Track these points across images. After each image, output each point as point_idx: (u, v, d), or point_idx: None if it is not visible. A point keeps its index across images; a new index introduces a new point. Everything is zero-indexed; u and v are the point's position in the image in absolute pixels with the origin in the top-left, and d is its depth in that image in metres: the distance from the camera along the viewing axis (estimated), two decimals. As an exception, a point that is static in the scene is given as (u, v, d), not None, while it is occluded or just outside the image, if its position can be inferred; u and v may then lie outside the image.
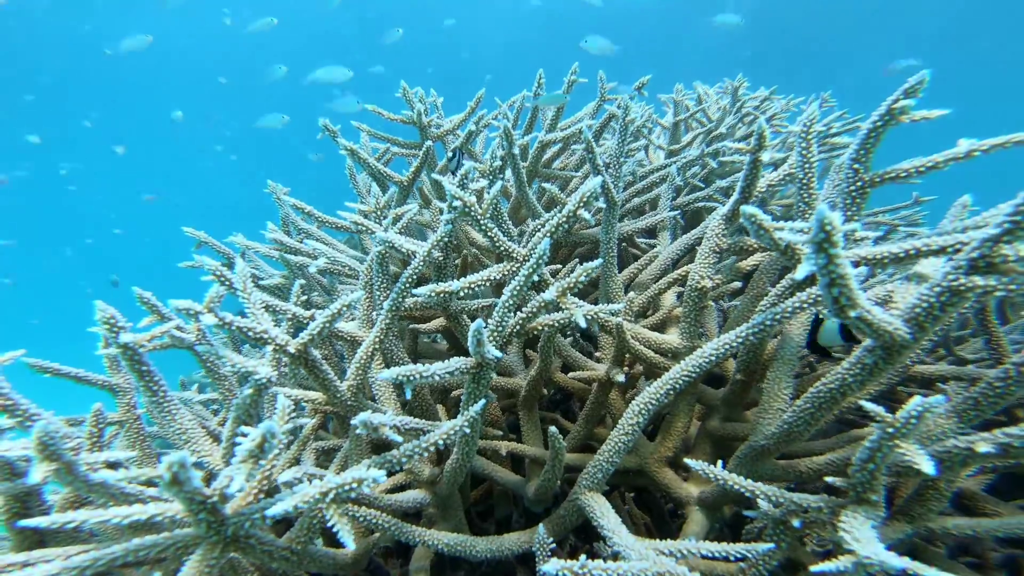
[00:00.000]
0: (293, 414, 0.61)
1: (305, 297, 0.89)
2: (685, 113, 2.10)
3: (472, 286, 0.68)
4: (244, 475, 0.43)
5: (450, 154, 1.16)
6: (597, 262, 0.62)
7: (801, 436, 0.74)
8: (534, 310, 0.63)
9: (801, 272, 0.45)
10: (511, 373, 1.15)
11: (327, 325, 0.61)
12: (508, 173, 1.22)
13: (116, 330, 0.63)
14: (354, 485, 0.44)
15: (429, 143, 1.02)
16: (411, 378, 0.54)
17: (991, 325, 0.74)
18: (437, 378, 0.57)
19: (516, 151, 0.94)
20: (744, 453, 0.85)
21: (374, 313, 0.88)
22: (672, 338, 0.95)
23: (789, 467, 0.80)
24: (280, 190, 1.20)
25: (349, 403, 0.78)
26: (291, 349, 0.62)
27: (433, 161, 1.22)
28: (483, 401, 0.60)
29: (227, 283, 0.68)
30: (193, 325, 0.83)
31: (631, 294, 0.97)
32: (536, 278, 0.64)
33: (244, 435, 0.67)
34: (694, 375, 0.74)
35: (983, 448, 0.50)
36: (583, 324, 0.62)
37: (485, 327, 0.57)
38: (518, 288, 0.61)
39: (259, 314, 0.60)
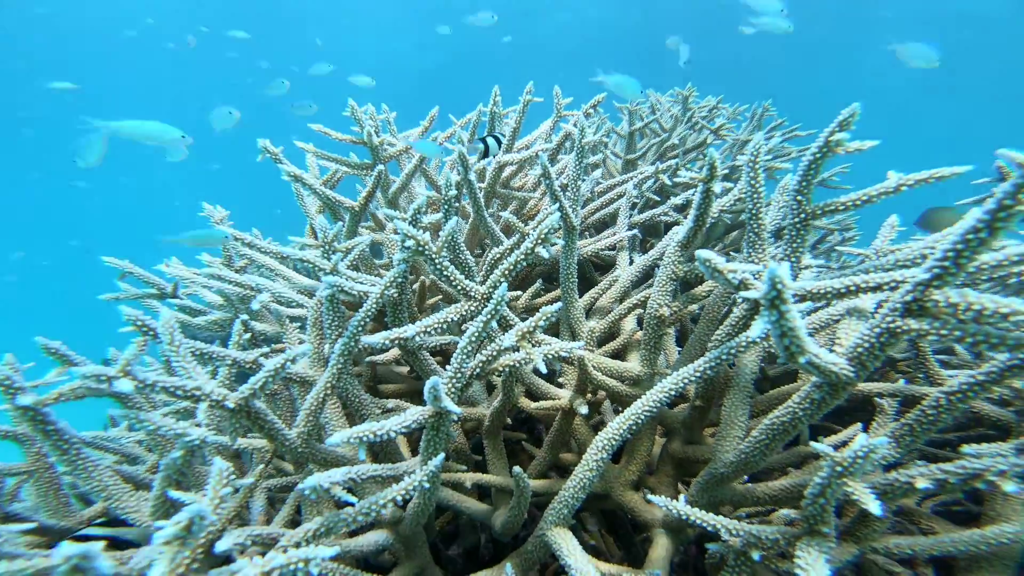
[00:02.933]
0: (232, 476, 0.58)
1: (249, 334, 0.85)
2: (640, 123, 2.18)
3: (427, 328, 0.68)
4: (166, 562, 0.41)
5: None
6: (557, 306, 0.62)
7: (757, 465, 0.79)
8: (492, 355, 0.64)
9: (755, 331, 0.47)
10: (474, 403, 1.15)
11: (270, 379, 0.59)
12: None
13: (12, 392, 0.59)
14: (300, 565, 0.43)
15: (381, 167, 1.00)
16: (364, 438, 0.53)
17: (925, 354, 0.81)
18: (393, 434, 0.56)
19: (472, 176, 0.94)
20: (704, 480, 0.88)
21: (327, 347, 0.86)
22: (633, 365, 0.97)
23: (748, 492, 0.84)
24: (217, 215, 1.15)
25: (300, 451, 0.76)
26: (230, 404, 0.59)
27: (386, 183, 1.20)
28: (442, 455, 0.59)
29: (151, 333, 0.65)
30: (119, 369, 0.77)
31: (591, 324, 0.99)
32: (497, 316, 0.64)
33: (171, 499, 0.64)
34: (655, 410, 0.77)
35: (922, 484, 0.54)
36: (543, 369, 0.62)
37: (442, 381, 0.56)
38: (476, 335, 0.61)
39: (189, 368, 0.57)
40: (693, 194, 1.35)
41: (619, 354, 1.17)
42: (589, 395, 1.05)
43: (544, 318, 0.63)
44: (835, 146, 0.70)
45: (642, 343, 0.94)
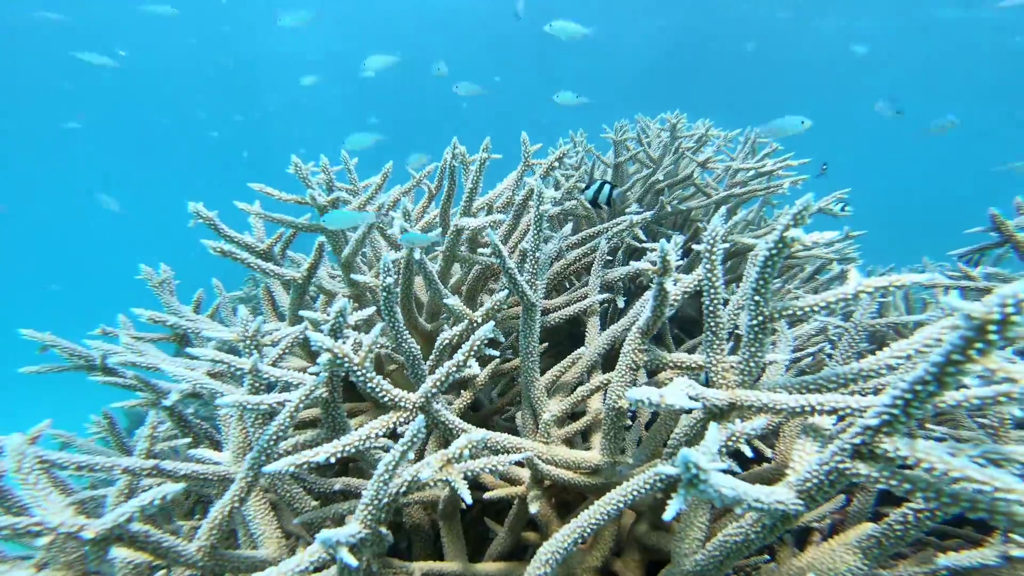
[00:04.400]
0: None
1: (165, 426, 0.81)
2: (626, 153, 2.15)
3: (344, 448, 0.63)
4: None
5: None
6: (482, 434, 0.58)
7: (715, 577, 0.74)
8: (409, 485, 0.59)
9: (670, 513, 0.43)
10: (422, 488, 1.10)
11: (136, 514, 0.54)
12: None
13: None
14: None
15: (321, 238, 0.96)
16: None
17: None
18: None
19: (417, 255, 0.90)
20: (667, 583, 0.83)
21: (252, 433, 0.81)
22: (592, 455, 0.93)
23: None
24: (156, 278, 1.10)
25: (201, 564, 0.70)
26: (86, 535, 0.54)
27: (342, 243, 1.16)
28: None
29: None
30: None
31: (552, 405, 0.94)
32: (416, 446, 0.60)
33: None
34: (603, 521, 0.72)
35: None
36: (468, 501, 0.58)
37: (347, 532, 0.52)
38: (392, 466, 0.57)
39: (42, 501, 0.53)
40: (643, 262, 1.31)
41: (585, 434, 1.12)
42: (547, 480, 1.01)
43: (469, 445, 0.58)
44: (791, 242, 0.66)
45: (602, 433, 0.90)
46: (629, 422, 0.94)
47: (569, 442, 1.08)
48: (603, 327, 1.30)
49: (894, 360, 0.64)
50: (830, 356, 1.59)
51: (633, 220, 1.39)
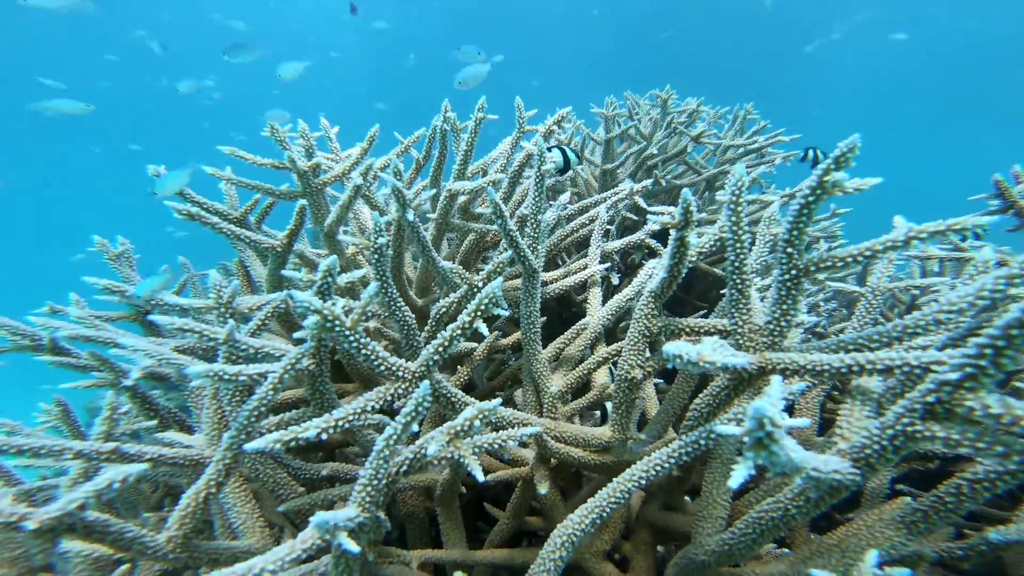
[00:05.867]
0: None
1: (126, 411, 0.71)
2: (618, 129, 2.08)
3: (338, 423, 0.55)
4: None
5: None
6: (495, 403, 0.51)
7: (742, 558, 0.69)
8: (414, 460, 0.52)
9: (736, 480, 0.36)
10: (424, 468, 1.03)
11: (90, 499, 0.45)
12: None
13: None
14: None
15: (303, 202, 0.87)
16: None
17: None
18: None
19: (411, 216, 0.81)
20: (683, 564, 0.78)
21: (229, 412, 0.72)
22: (603, 430, 0.86)
23: (734, 582, 0.74)
24: (112, 250, 0.99)
25: (173, 556, 0.62)
26: (29, 525, 0.45)
27: (324, 212, 1.07)
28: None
29: None
30: None
31: (557, 379, 0.87)
32: (421, 417, 0.52)
33: None
34: (623, 500, 0.66)
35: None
36: (481, 479, 0.51)
37: (345, 514, 0.44)
38: (394, 440, 0.49)
39: None
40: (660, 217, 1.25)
41: (591, 409, 1.06)
42: (554, 459, 0.94)
43: (481, 415, 0.51)
44: (831, 187, 0.60)
45: (612, 407, 0.83)
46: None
47: (570, 420, 1.02)
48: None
49: (943, 315, 0.59)
50: (821, 333, 1.56)
51: (634, 188, 1.32)
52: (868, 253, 0.60)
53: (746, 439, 0.34)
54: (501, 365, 1.54)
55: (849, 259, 0.60)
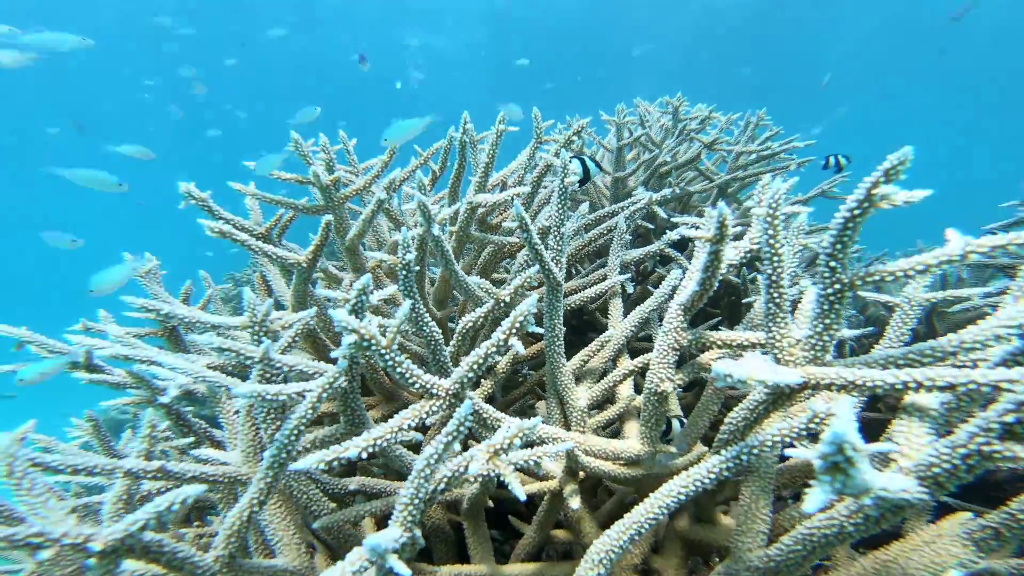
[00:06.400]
0: None
1: (166, 433, 0.71)
2: (629, 136, 2.08)
3: (376, 441, 0.55)
4: None
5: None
6: (536, 421, 0.50)
7: (789, 575, 0.67)
8: (455, 477, 0.51)
9: (812, 505, 0.35)
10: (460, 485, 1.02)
11: (151, 520, 0.45)
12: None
13: None
14: None
15: (328, 217, 0.87)
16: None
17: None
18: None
19: (436, 230, 0.81)
20: (723, 580, 0.76)
21: (265, 432, 0.72)
22: (632, 444, 0.85)
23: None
24: (142, 268, 1.00)
25: None
26: (95, 547, 0.45)
27: (345, 226, 1.07)
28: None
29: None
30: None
31: (582, 392, 0.87)
32: (462, 436, 0.52)
33: None
34: (662, 516, 0.65)
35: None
36: (522, 497, 0.50)
37: (390, 535, 0.44)
38: (435, 457, 0.49)
39: (40, 508, 0.44)
40: (690, 229, 1.24)
41: (615, 424, 1.05)
42: (583, 473, 0.93)
43: (520, 434, 0.50)
44: (879, 200, 0.59)
45: (642, 421, 0.82)
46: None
47: (596, 433, 1.01)
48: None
49: (1002, 329, 0.57)
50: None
51: (652, 197, 1.31)
52: (921, 267, 0.58)
53: (818, 463, 0.33)
54: (513, 375, 1.53)
55: (900, 273, 0.59)
